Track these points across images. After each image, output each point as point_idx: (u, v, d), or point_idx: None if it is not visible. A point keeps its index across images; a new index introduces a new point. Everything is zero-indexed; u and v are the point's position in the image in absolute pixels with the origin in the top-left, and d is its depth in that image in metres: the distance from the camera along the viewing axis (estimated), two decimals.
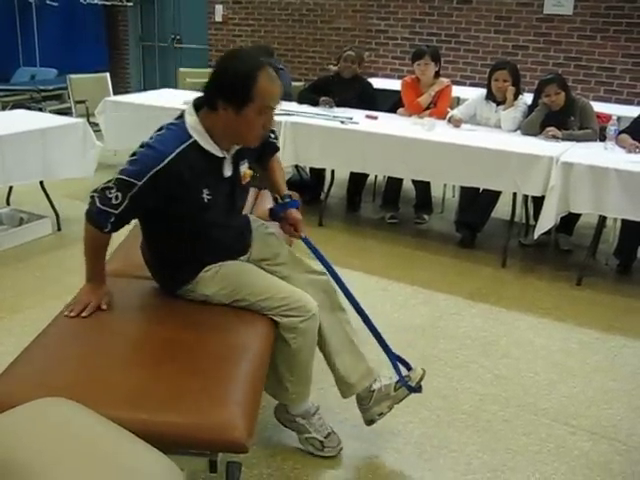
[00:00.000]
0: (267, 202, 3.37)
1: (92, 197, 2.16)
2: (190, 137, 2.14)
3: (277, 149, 2.67)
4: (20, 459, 1.33)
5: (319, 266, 2.55)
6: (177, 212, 2.19)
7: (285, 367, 2.36)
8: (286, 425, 2.54)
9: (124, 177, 2.07)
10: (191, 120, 2.17)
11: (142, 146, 2.14)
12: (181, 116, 2.22)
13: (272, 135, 2.60)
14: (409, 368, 2.58)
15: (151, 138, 2.16)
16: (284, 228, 2.61)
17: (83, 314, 2.22)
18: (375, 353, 2.61)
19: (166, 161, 2.06)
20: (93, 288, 2.30)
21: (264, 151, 2.56)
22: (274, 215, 2.63)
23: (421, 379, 2.53)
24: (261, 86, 2.07)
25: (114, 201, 2.09)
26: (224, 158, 2.24)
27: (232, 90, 2.07)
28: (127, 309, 2.33)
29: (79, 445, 1.39)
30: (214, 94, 2.12)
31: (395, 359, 2.58)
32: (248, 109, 2.09)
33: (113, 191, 2.09)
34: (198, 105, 2.20)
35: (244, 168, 2.37)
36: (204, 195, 2.19)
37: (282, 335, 2.30)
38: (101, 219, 2.14)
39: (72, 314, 2.22)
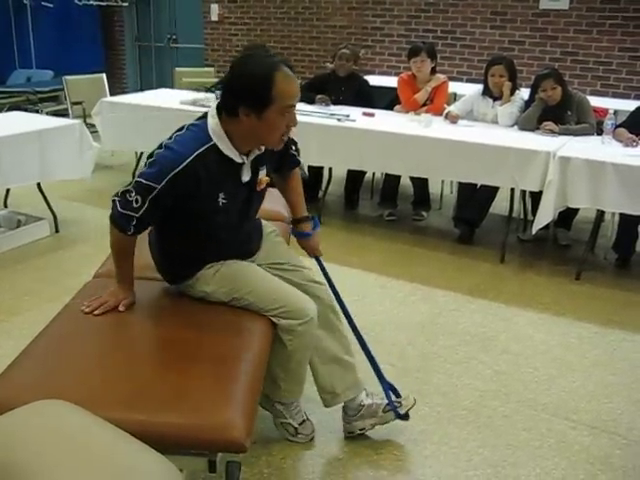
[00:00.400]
0: (272, 201, 3.37)
1: (113, 201, 2.16)
2: (210, 140, 2.11)
3: (298, 163, 2.64)
4: (18, 461, 1.33)
5: (320, 277, 2.57)
6: (192, 211, 2.19)
7: (279, 366, 2.37)
8: (263, 406, 2.53)
9: (143, 180, 2.07)
10: (213, 123, 2.13)
11: (160, 147, 2.12)
12: (204, 117, 2.19)
13: (293, 147, 2.57)
14: (398, 395, 2.64)
15: (170, 138, 2.13)
16: (304, 247, 2.68)
17: (96, 312, 2.22)
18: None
19: (185, 163, 2.04)
20: (118, 289, 2.30)
21: (284, 163, 2.55)
22: (295, 234, 2.67)
23: (411, 407, 2.58)
24: (279, 87, 2.04)
25: (134, 204, 2.09)
26: (243, 164, 2.21)
27: (251, 95, 2.03)
28: (124, 310, 2.33)
29: (77, 447, 1.38)
30: (233, 101, 2.07)
31: (387, 386, 2.62)
32: (269, 112, 2.05)
33: (133, 194, 2.09)
34: (220, 109, 2.15)
35: (262, 174, 2.33)
36: (220, 199, 2.19)
37: (279, 335, 2.30)
38: (123, 222, 2.14)
39: (87, 310, 2.23)
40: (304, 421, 2.58)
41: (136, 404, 1.77)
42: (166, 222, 2.24)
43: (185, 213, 2.19)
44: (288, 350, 2.31)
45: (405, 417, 2.58)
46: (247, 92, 2.03)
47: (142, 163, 5.70)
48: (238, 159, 2.18)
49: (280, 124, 2.11)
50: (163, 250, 2.37)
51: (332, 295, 2.55)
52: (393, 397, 2.61)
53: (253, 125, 2.08)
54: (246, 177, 2.25)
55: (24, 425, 1.45)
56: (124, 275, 2.30)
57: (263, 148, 2.26)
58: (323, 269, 2.65)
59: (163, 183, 2.04)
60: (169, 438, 1.70)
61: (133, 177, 2.16)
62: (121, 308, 2.25)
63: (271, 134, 2.14)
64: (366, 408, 2.56)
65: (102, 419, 1.53)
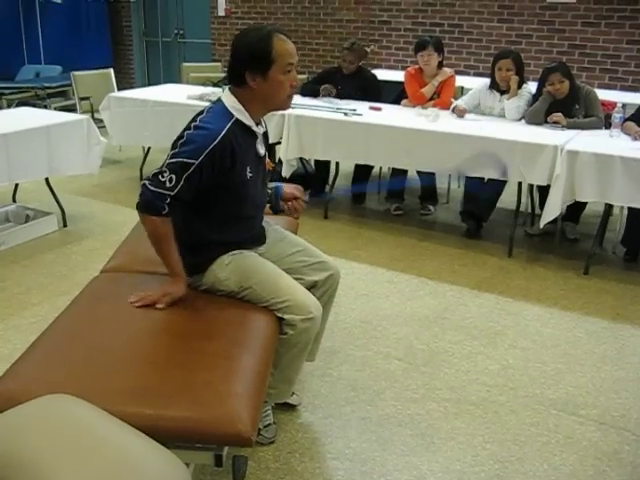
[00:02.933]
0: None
1: (143, 185, 2.21)
2: (232, 116, 2.27)
3: None
4: (26, 454, 1.34)
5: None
6: (221, 187, 2.27)
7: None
8: None
9: (180, 159, 2.17)
10: (230, 100, 2.31)
11: (189, 128, 2.24)
12: (218, 100, 2.35)
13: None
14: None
15: (195, 120, 2.26)
16: (290, 209, 2.72)
17: (136, 304, 2.25)
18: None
19: (220, 137, 2.19)
20: (169, 283, 2.31)
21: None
22: (276, 209, 2.71)
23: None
24: (278, 47, 2.22)
25: (168, 184, 2.17)
26: (257, 137, 2.38)
27: (254, 59, 2.22)
28: (131, 304, 2.33)
29: (83, 441, 1.39)
30: (239, 70, 2.25)
31: None
32: (273, 71, 2.23)
33: (166, 174, 2.17)
34: (230, 82, 2.34)
35: (266, 156, 2.50)
36: (247, 172, 2.31)
37: (282, 329, 2.32)
38: (157, 202, 2.18)
39: (130, 300, 2.27)
40: (269, 425, 2.57)
41: (142, 398, 1.78)
42: (192, 204, 2.28)
43: (214, 191, 2.28)
44: (284, 343, 2.33)
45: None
46: (250, 57, 2.23)
47: (150, 157, 5.75)
48: (255, 128, 2.35)
49: (284, 82, 2.27)
50: (182, 239, 2.35)
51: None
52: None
53: (261, 88, 2.26)
54: (262, 150, 2.43)
55: (32, 419, 1.46)
56: (170, 266, 2.30)
57: (265, 125, 2.45)
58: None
59: (201, 158, 2.16)
60: (175, 432, 1.71)
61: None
62: (159, 306, 2.25)
63: (278, 93, 2.29)
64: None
65: (108, 413, 1.54)
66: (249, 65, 2.23)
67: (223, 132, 2.20)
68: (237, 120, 2.27)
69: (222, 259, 2.37)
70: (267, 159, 2.51)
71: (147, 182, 2.20)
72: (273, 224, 2.68)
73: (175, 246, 2.28)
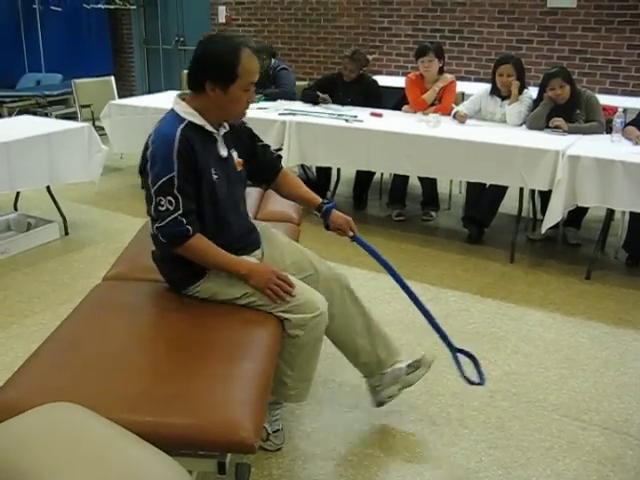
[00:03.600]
0: (272, 202, 3.37)
1: (157, 228, 2.21)
2: (184, 119, 2.25)
3: (280, 162, 2.70)
4: (28, 463, 1.34)
5: (323, 264, 2.60)
6: (198, 192, 2.25)
7: (285, 362, 2.36)
8: None
9: (160, 180, 2.16)
10: (180, 107, 2.29)
11: (147, 147, 2.24)
12: (170, 110, 2.33)
13: (274, 151, 2.68)
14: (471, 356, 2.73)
15: (150, 135, 2.27)
16: (335, 231, 2.71)
17: (278, 291, 2.27)
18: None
19: (177, 140, 2.17)
20: (251, 272, 2.30)
21: (269, 167, 2.64)
22: (325, 225, 2.70)
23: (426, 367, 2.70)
24: (244, 64, 2.20)
25: (171, 207, 2.16)
26: (216, 138, 2.34)
27: (218, 71, 2.19)
28: (133, 312, 2.33)
29: (85, 449, 1.39)
30: (201, 77, 2.22)
31: (455, 352, 2.72)
32: (234, 87, 2.21)
33: (162, 201, 2.16)
34: (183, 96, 2.33)
35: (235, 156, 2.45)
36: (213, 174, 2.28)
37: (288, 331, 2.30)
38: (177, 230, 2.19)
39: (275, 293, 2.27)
40: (278, 430, 2.55)
41: (145, 406, 1.78)
42: None
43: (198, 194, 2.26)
44: (297, 345, 2.32)
45: (482, 382, 2.65)
46: (215, 68, 2.20)
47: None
48: (211, 128, 2.31)
49: (242, 99, 2.27)
50: (170, 253, 2.35)
51: (345, 276, 2.64)
52: (404, 363, 2.68)
53: (219, 99, 2.23)
54: (223, 152, 2.36)
55: (34, 427, 1.45)
56: (235, 264, 2.30)
57: (228, 126, 2.40)
58: (365, 246, 2.77)
59: (175, 166, 2.15)
60: (178, 439, 1.71)
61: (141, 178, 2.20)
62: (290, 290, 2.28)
63: (235, 108, 2.29)
64: (388, 376, 2.61)
65: (111, 421, 1.53)
66: (212, 75, 2.20)
67: (178, 133, 2.18)
68: (189, 122, 2.25)
69: (214, 271, 2.33)
70: (238, 159, 2.45)
71: (155, 224, 2.19)
72: (270, 227, 2.68)
73: (220, 250, 2.28)
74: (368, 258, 4.42)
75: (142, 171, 2.28)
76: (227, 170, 2.37)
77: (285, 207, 3.28)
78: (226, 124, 2.40)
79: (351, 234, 2.70)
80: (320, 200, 2.68)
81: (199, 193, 2.25)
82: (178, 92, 2.40)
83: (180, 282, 2.39)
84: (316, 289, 2.43)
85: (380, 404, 2.67)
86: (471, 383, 2.62)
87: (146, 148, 2.25)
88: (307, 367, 2.41)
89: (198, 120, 2.26)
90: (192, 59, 2.27)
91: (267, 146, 2.64)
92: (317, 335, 2.35)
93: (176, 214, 2.16)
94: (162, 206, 2.16)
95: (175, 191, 2.15)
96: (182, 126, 2.21)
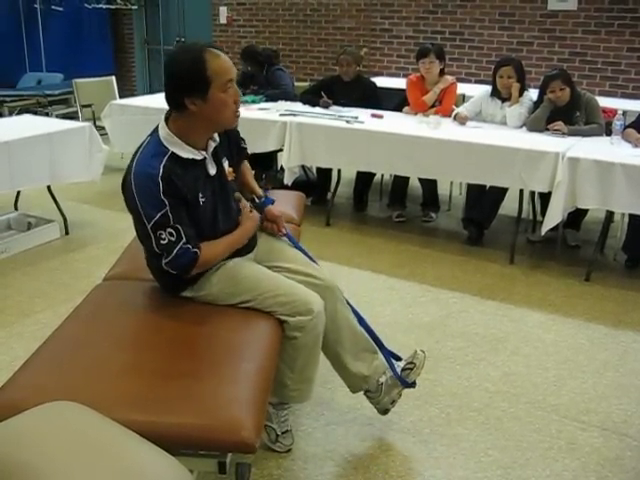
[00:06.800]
0: (281, 205, 3.38)
1: (166, 264, 2.20)
2: (167, 150, 2.18)
3: (247, 155, 2.73)
4: (30, 463, 1.34)
5: (317, 270, 2.55)
6: (189, 215, 2.23)
7: (286, 364, 2.36)
8: None
9: (154, 218, 2.13)
10: (164, 133, 2.22)
11: (129, 181, 2.18)
12: (155, 130, 2.27)
13: (243, 140, 2.67)
14: (398, 359, 2.64)
15: (131, 165, 2.21)
16: (266, 227, 2.64)
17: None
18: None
19: (160, 179, 2.11)
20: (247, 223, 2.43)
21: (238, 155, 2.63)
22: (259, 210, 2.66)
23: (422, 365, 2.59)
24: (212, 65, 2.13)
25: (172, 238, 2.15)
26: (204, 159, 2.28)
27: (190, 82, 2.12)
28: (134, 311, 2.34)
29: (87, 448, 1.39)
30: (177, 95, 2.16)
31: (388, 354, 2.62)
32: (212, 92, 2.13)
33: (163, 235, 2.15)
34: (167, 117, 2.26)
35: (226, 165, 2.42)
36: (200, 199, 2.24)
37: (286, 333, 2.31)
38: (184, 259, 2.19)
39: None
40: (287, 431, 2.55)
41: (145, 405, 1.78)
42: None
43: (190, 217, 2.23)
44: (296, 347, 2.32)
45: (412, 385, 2.59)
46: (185, 81, 2.13)
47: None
48: (198, 156, 2.25)
49: (227, 100, 2.18)
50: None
51: (337, 285, 2.56)
52: (400, 364, 2.61)
53: (203, 110, 2.15)
54: (212, 170, 2.31)
55: (35, 427, 1.46)
56: (236, 239, 2.38)
57: (218, 139, 2.34)
58: (296, 245, 2.66)
59: (166, 201, 2.12)
60: (179, 439, 1.71)
61: None
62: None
63: (222, 113, 2.20)
64: (385, 384, 2.58)
65: (112, 420, 1.54)
66: (186, 90, 2.13)
67: (160, 172, 2.12)
68: (173, 154, 2.18)
69: (206, 277, 2.33)
70: (227, 169, 2.42)
71: (164, 257, 2.17)
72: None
73: (221, 241, 2.32)
74: (367, 259, 4.46)
75: (123, 193, 2.24)
76: (216, 187, 2.33)
77: (285, 207, 3.28)
78: (216, 136, 2.35)
79: (284, 231, 2.65)
80: (261, 193, 2.69)
81: (190, 216, 2.23)
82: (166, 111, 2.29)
83: (172, 288, 2.40)
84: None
85: (385, 412, 2.64)
86: (405, 385, 2.58)
87: (127, 177, 2.20)
88: (307, 368, 2.41)
89: (183, 151, 2.20)
90: (165, 80, 2.21)
91: (241, 137, 2.65)
92: (315, 336, 2.35)
93: (180, 243, 2.15)
94: (164, 239, 2.15)
95: (172, 223, 2.14)
96: (164, 161, 2.14)
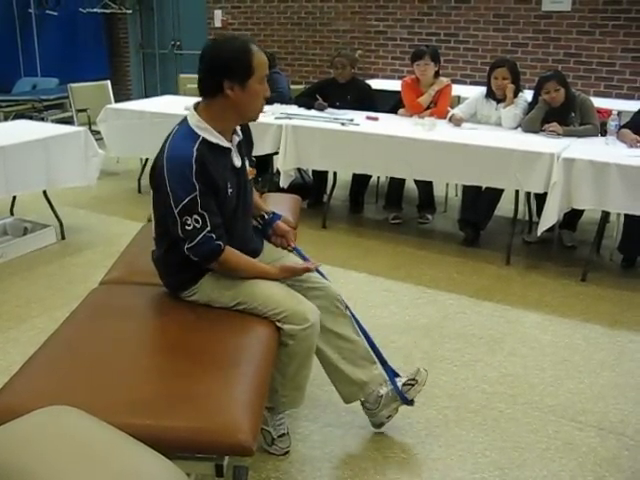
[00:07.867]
0: (279, 208, 3.38)
1: (188, 249, 2.21)
2: (198, 135, 2.23)
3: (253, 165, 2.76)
4: (27, 466, 1.34)
5: (319, 279, 2.56)
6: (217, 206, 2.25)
7: (278, 370, 2.37)
8: None
9: (183, 201, 2.15)
10: (194, 120, 2.27)
11: (160, 163, 2.21)
12: (183, 120, 2.31)
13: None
14: (396, 375, 2.64)
15: (164, 150, 2.23)
16: (275, 241, 2.67)
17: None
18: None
19: (194, 161, 2.15)
20: (278, 273, 2.40)
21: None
22: (266, 235, 2.68)
23: (424, 382, 2.59)
24: (257, 57, 2.22)
25: (198, 225, 2.17)
26: (230, 149, 2.33)
27: (235, 68, 2.19)
28: (130, 315, 2.34)
29: (83, 452, 1.39)
30: (217, 78, 2.21)
31: (390, 371, 2.63)
32: (252, 81, 2.21)
33: (189, 220, 2.17)
34: (196, 106, 2.32)
35: (247, 165, 2.47)
36: (228, 189, 2.28)
37: (281, 339, 2.31)
38: (208, 247, 2.21)
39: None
40: (284, 434, 2.55)
41: (142, 409, 1.78)
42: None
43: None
44: (289, 353, 2.33)
45: (410, 402, 2.59)
46: (231, 66, 2.20)
47: (147, 169, 5.74)
48: (226, 143, 2.30)
49: (260, 93, 2.26)
50: (170, 259, 2.37)
51: (338, 293, 2.55)
52: (400, 380, 2.60)
53: (238, 97, 2.22)
54: (238, 162, 2.36)
55: (32, 431, 1.46)
56: (266, 271, 2.37)
57: (241, 134, 2.41)
58: (304, 258, 2.65)
59: (196, 185, 2.14)
60: (175, 442, 1.71)
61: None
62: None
63: (254, 103, 2.28)
64: (384, 397, 2.57)
65: (108, 424, 1.54)
66: (228, 74, 2.19)
67: (194, 154, 2.16)
68: (204, 139, 2.22)
69: (209, 278, 2.34)
70: (248, 167, 2.48)
71: (187, 242, 2.19)
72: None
73: (249, 259, 2.35)
74: (364, 261, 4.46)
75: (153, 181, 2.26)
76: (240, 180, 2.38)
77: (282, 210, 3.28)
78: (240, 132, 2.40)
79: (293, 245, 2.68)
80: (268, 210, 2.72)
81: (217, 207, 2.25)
82: (194, 102, 2.35)
83: (176, 286, 2.40)
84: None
85: (380, 425, 2.64)
86: (405, 401, 2.58)
87: (159, 163, 2.22)
88: (299, 376, 2.41)
89: (213, 137, 2.24)
90: (202, 65, 2.25)
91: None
92: (308, 346, 2.35)
93: (205, 231, 2.17)
94: (189, 225, 2.16)
95: (200, 209, 2.16)
96: (197, 145, 2.19)
